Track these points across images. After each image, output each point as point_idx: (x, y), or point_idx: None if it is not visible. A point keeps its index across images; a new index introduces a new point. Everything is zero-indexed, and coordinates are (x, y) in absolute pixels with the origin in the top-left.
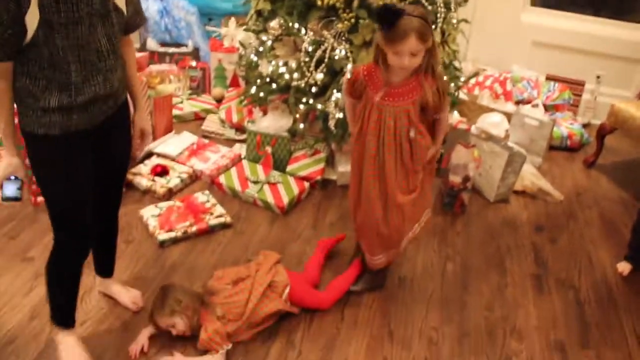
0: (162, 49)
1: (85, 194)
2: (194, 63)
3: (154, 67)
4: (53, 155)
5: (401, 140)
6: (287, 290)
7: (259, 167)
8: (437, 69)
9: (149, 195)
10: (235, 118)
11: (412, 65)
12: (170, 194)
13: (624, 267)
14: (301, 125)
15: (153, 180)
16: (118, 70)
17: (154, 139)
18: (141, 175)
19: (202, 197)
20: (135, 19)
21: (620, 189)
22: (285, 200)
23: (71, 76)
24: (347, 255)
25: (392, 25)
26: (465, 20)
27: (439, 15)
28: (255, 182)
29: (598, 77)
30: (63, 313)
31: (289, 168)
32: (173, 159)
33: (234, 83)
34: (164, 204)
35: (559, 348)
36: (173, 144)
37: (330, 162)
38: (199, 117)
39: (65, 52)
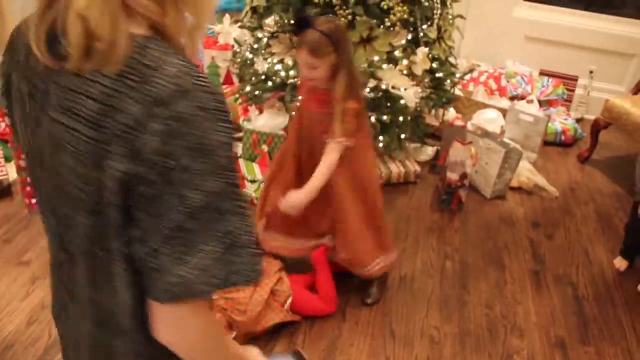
0: None
1: None
2: None
3: None
4: None
5: (317, 145)
6: (289, 301)
7: (256, 166)
8: (350, 93)
9: None
10: (230, 116)
11: (312, 77)
12: None
13: (620, 263)
14: None
15: None
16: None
17: None
18: None
19: None
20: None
21: (615, 184)
22: None
23: None
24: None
25: (297, 33)
26: (461, 16)
27: (435, 11)
28: (252, 181)
29: (591, 72)
30: None
31: None
32: None
33: (228, 80)
34: None
35: (559, 344)
36: None
37: None
38: None
39: None
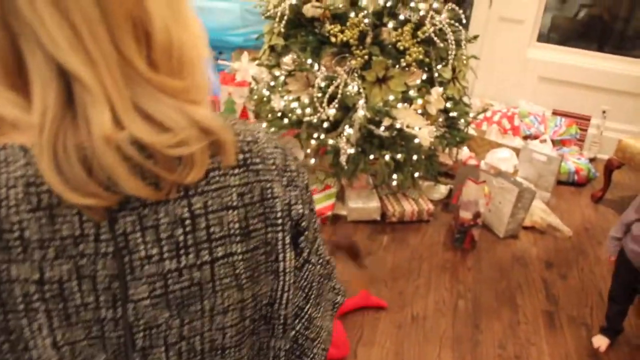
0: None
1: None
2: None
3: None
4: None
5: None
6: None
7: None
8: None
9: None
10: None
11: None
12: None
13: (600, 341)
14: (312, 160)
15: None
16: None
17: None
18: None
19: None
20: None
21: None
22: None
23: None
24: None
25: None
26: (475, 57)
27: (450, 52)
28: None
29: (604, 111)
30: None
31: None
32: None
33: (244, 116)
34: None
35: None
36: None
37: (340, 197)
38: None
39: None
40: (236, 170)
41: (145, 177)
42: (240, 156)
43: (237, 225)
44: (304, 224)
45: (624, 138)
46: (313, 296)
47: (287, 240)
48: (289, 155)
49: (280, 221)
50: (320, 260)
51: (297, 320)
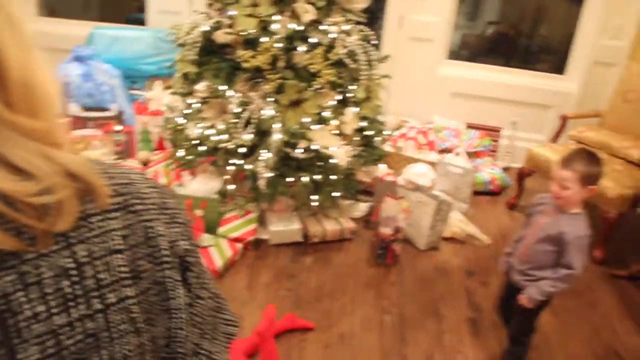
0: (84, 114)
1: None
2: (118, 127)
3: (78, 133)
4: None
5: None
6: None
7: None
8: None
9: None
10: (163, 182)
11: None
12: None
13: None
14: (231, 187)
15: None
16: None
17: None
18: None
19: None
20: None
21: None
22: (219, 263)
23: None
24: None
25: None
26: (387, 76)
27: (361, 72)
28: None
29: (514, 123)
30: None
31: (220, 230)
32: None
33: (160, 146)
34: None
35: None
36: None
37: (261, 221)
38: None
39: None
40: (116, 214)
41: (9, 229)
42: (118, 199)
43: (125, 269)
44: (190, 259)
45: (533, 147)
46: (208, 331)
47: (177, 277)
48: (167, 193)
49: (167, 259)
50: (210, 295)
51: (195, 358)
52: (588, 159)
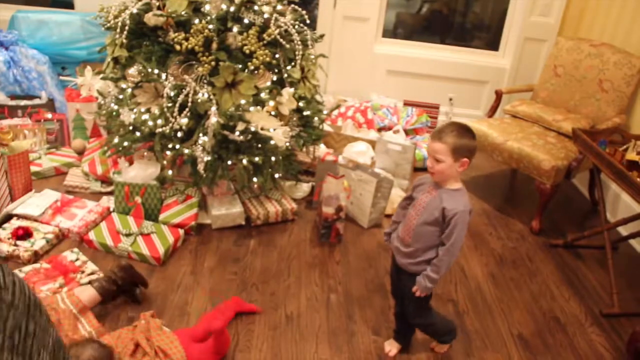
0: (12, 102)
1: None
2: (49, 115)
3: (6, 122)
4: None
5: None
6: None
7: (130, 219)
8: None
9: (13, 262)
10: (99, 170)
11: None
12: (36, 257)
13: (391, 346)
14: (169, 172)
15: (15, 244)
16: None
17: (12, 200)
18: (0, 240)
19: (70, 255)
20: None
21: (482, 201)
22: (161, 250)
23: None
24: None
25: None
26: (323, 55)
27: (297, 52)
28: (128, 235)
29: (450, 99)
30: None
31: (161, 217)
32: (35, 220)
33: (95, 133)
34: (28, 268)
35: (445, 358)
36: (34, 203)
37: (203, 206)
38: (60, 172)
39: None
40: None
41: None
42: None
43: None
44: None
45: (469, 122)
46: None
47: None
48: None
49: None
50: None
51: None
52: (458, 131)
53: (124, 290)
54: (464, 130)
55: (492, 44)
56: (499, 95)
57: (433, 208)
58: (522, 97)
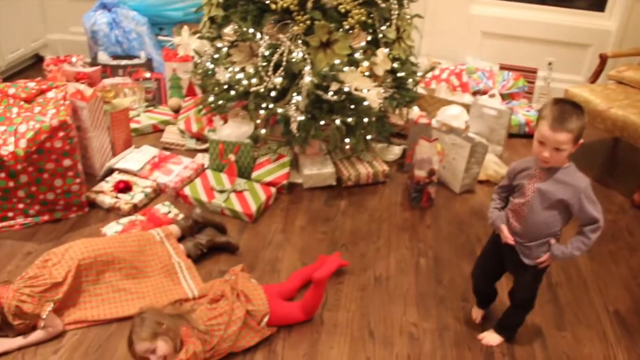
0: (114, 62)
1: None
2: (148, 74)
3: (108, 81)
4: None
5: None
6: (265, 319)
7: (224, 176)
8: None
9: (114, 213)
10: (194, 128)
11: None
12: (135, 210)
13: (476, 313)
14: (263, 131)
15: (116, 197)
16: None
17: (114, 154)
18: (104, 193)
19: (163, 208)
20: None
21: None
22: (253, 207)
23: None
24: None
25: None
26: (419, 16)
27: (392, 12)
28: (221, 192)
29: (549, 63)
30: None
31: (254, 175)
32: (135, 174)
33: (191, 92)
34: (126, 219)
35: (537, 332)
36: (134, 158)
37: (294, 165)
38: (157, 129)
39: None
40: None
41: None
42: None
43: None
44: None
45: (569, 88)
46: None
47: None
48: None
49: None
50: None
51: None
52: (576, 113)
53: (201, 228)
54: (580, 110)
55: (597, 5)
56: (603, 59)
57: (555, 192)
58: (628, 61)
